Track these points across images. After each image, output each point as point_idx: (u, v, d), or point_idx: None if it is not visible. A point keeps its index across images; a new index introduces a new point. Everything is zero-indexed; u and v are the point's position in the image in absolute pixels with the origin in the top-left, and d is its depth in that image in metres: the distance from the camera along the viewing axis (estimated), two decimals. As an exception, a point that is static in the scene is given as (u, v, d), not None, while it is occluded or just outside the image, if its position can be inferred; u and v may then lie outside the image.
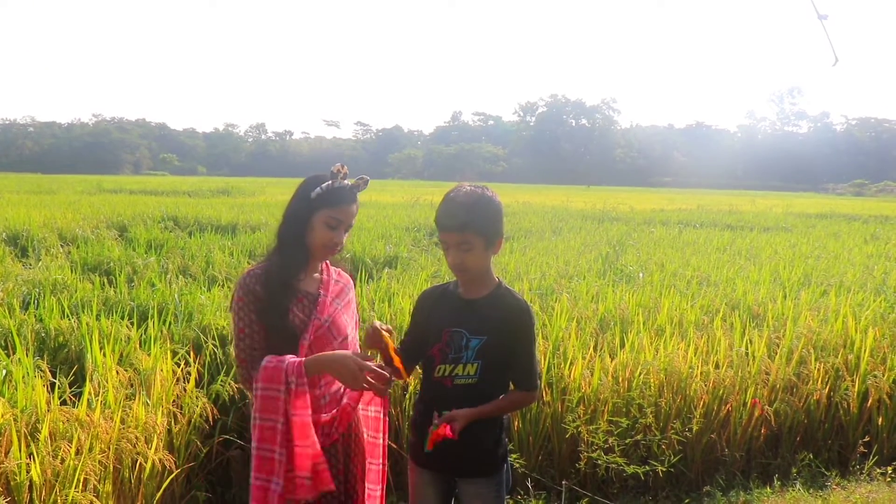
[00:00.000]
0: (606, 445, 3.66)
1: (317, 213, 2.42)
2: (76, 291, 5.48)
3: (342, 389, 2.44)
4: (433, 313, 2.54)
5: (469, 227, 2.34)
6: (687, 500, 3.82)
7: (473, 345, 2.42)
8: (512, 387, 2.52)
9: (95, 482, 2.85)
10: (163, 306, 4.87)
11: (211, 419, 3.49)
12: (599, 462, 3.63)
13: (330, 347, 2.42)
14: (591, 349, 4.25)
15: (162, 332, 4.22)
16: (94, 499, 2.82)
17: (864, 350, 4.47)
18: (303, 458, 2.25)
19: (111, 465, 2.94)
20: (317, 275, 2.53)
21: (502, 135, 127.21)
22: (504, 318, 2.42)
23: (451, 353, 2.44)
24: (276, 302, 2.40)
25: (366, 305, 5.06)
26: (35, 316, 4.46)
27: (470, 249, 2.36)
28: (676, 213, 21.55)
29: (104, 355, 3.63)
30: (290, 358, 2.31)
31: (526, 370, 2.47)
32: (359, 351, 2.43)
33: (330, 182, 2.45)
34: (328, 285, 2.51)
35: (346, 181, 2.48)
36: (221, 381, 3.69)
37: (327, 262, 2.59)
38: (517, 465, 3.65)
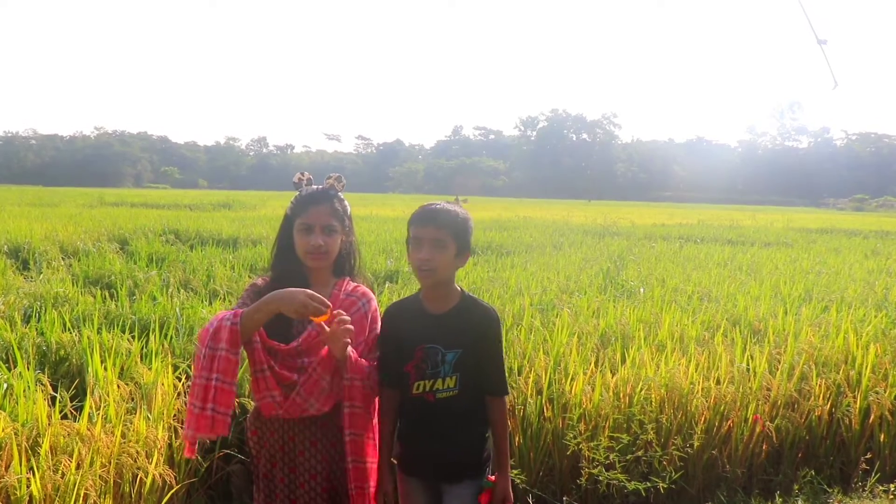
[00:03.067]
0: (607, 461, 3.65)
1: (294, 225, 2.51)
2: (77, 305, 5.48)
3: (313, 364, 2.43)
4: (402, 330, 2.55)
5: (449, 226, 2.40)
6: (688, 517, 3.81)
7: (449, 359, 2.47)
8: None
9: (96, 497, 2.84)
10: (164, 320, 4.87)
11: (212, 434, 3.48)
12: (600, 478, 3.62)
13: (328, 375, 2.44)
14: (592, 365, 4.24)
15: (163, 346, 4.22)
16: (94, 514, 2.81)
17: (866, 366, 4.46)
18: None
19: (112, 480, 2.94)
20: (328, 289, 2.55)
21: (503, 149, 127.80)
22: (475, 327, 2.48)
23: (429, 369, 2.48)
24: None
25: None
26: (36, 329, 4.47)
27: (443, 248, 2.40)
28: (677, 227, 21.56)
29: (105, 369, 3.63)
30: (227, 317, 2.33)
31: (499, 376, 2.53)
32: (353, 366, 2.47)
33: (297, 193, 2.54)
34: (336, 299, 2.52)
35: (312, 186, 2.55)
36: (222, 395, 3.68)
37: (347, 277, 2.60)
38: (518, 481, 3.64)
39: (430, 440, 2.52)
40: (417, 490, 2.60)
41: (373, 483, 2.54)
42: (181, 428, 3.39)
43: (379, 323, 2.60)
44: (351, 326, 2.33)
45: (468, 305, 2.51)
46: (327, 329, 2.31)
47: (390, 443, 2.64)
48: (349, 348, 2.39)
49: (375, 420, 2.60)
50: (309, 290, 2.28)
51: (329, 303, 2.29)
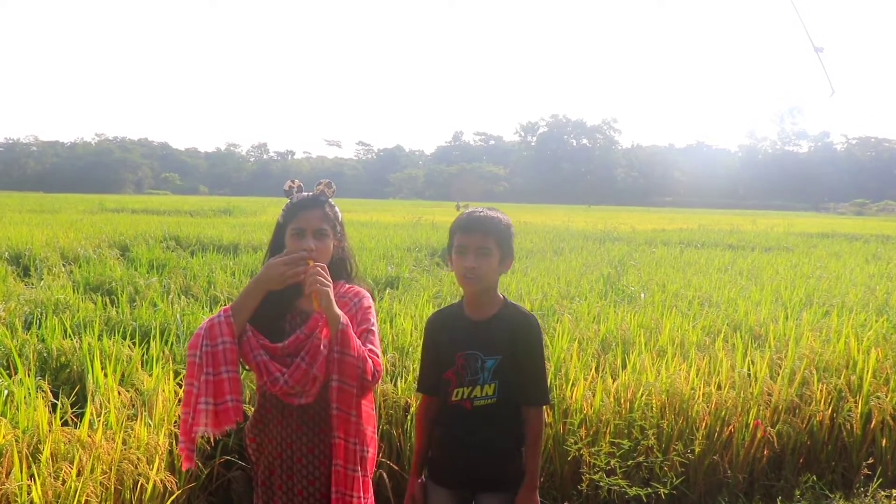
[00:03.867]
0: (608, 467, 3.65)
1: (286, 231, 2.52)
2: (78, 311, 5.49)
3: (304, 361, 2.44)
4: (443, 337, 2.57)
5: (494, 234, 2.44)
6: (690, 523, 3.80)
7: (489, 365, 2.47)
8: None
9: (96, 504, 2.84)
10: (165, 326, 4.89)
11: (212, 440, 3.48)
12: (601, 484, 3.62)
13: (319, 356, 2.44)
14: (593, 370, 4.24)
15: (164, 352, 4.23)
16: (95, 521, 2.81)
17: (867, 371, 4.46)
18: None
19: (112, 487, 2.94)
20: None
21: (503, 154, 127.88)
22: (516, 334, 2.48)
23: (468, 376, 2.49)
24: (262, 314, 2.47)
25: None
26: (37, 336, 4.47)
27: (488, 255, 2.43)
28: (678, 232, 21.56)
29: (106, 376, 3.64)
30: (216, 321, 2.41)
31: (540, 385, 2.52)
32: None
33: (288, 201, 2.56)
34: None
35: (303, 193, 2.57)
36: (223, 401, 3.68)
37: (342, 281, 2.61)
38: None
39: (464, 448, 2.51)
40: (446, 500, 2.59)
41: (360, 469, 2.47)
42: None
43: (372, 318, 2.58)
44: (325, 283, 2.38)
45: (510, 312, 2.52)
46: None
47: (426, 449, 2.66)
48: (342, 316, 2.39)
49: (372, 412, 2.60)
50: (282, 258, 2.39)
51: (304, 253, 2.39)
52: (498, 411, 2.48)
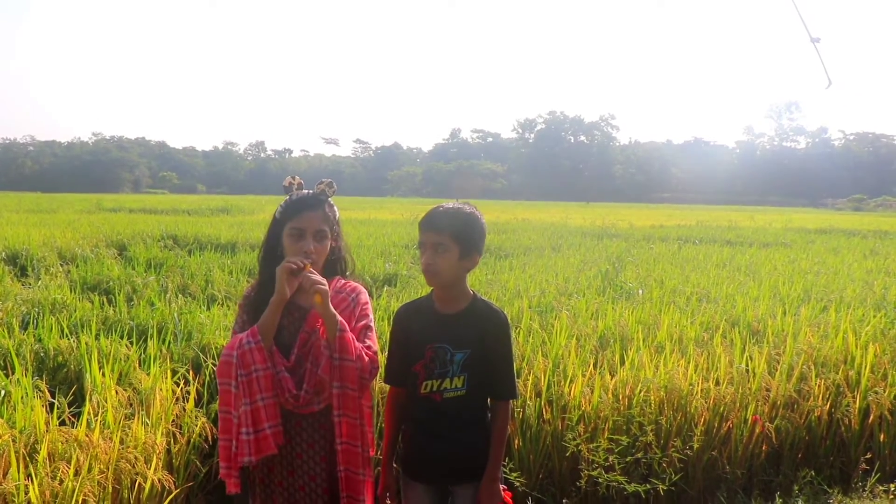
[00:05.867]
0: (607, 463, 3.65)
1: (283, 229, 2.52)
2: (75, 311, 5.47)
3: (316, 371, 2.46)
4: (412, 330, 2.59)
5: (448, 229, 2.43)
6: (689, 519, 3.80)
7: (458, 358, 2.49)
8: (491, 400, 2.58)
9: (94, 503, 2.83)
10: (162, 325, 4.87)
11: (210, 439, 3.48)
12: (600, 480, 3.62)
13: (321, 357, 2.44)
14: (591, 367, 4.24)
15: (161, 351, 4.22)
16: (93, 520, 2.80)
17: (865, 366, 4.46)
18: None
19: (110, 486, 2.93)
20: None
21: (501, 151, 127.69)
22: (485, 329, 2.51)
23: (437, 369, 2.51)
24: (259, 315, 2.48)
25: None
26: (34, 336, 4.46)
27: (444, 252, 2.43)
28: (676, 228, 21.55)
29: (103, 375, 3.63)
30: (244, 342, 2.42)
31: (508, 379, 2.55)
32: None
33: (287, 197, 2.54)
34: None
35: (304, 191, 2.56)
36: (221, 400, 3.67)
37: (338, 277, 2.61)
38: (518, 484, 3.63)
39: (436, 441, 2.53)
40: (422, 494, 2.61)
41: (366, 473, 2.52)
42: (179, 434, 3.38)
43: (370, 313, 2.60)
44: (321, 281, 2.40)
45: (479, 307, 2.54)
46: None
47: (396, 440, 2.67)
48: (339, 320, 2.41)
49: (370, 412, 2.61)
50: (279, 271, 2.40)
51: (302, 261, 2.41)
52: (468, 403, 2.51)
